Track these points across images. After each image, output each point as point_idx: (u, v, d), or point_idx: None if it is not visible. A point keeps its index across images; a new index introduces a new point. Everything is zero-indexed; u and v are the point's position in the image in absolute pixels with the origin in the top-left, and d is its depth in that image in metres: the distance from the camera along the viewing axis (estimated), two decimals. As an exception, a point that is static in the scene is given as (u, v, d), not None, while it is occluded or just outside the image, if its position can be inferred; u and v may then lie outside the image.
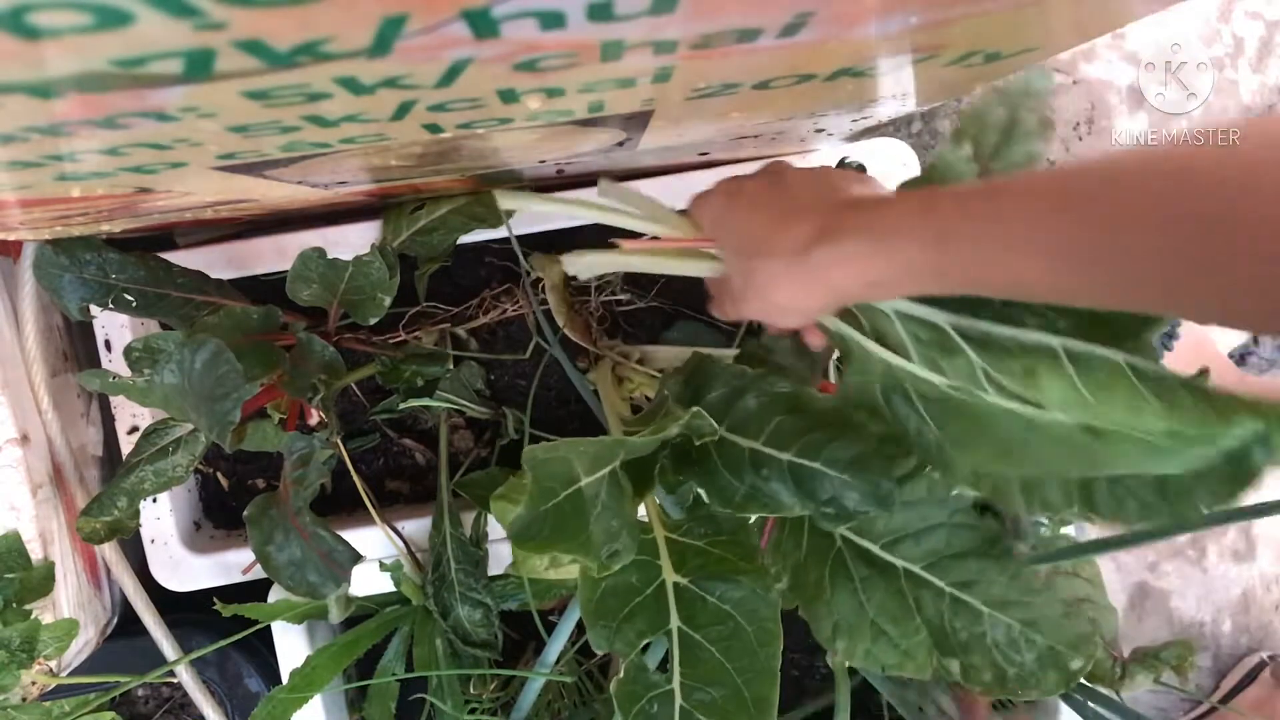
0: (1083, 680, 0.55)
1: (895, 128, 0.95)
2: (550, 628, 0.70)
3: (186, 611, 0.77)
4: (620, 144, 0.53)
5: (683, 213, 0.54)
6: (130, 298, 0.62)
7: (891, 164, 0.73)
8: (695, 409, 0.45)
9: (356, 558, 0.58)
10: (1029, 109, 0.43)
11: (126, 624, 0.76)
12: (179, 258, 0.66)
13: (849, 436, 0.45)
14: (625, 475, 0.46)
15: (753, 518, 0.55)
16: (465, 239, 0.71)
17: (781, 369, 0.56)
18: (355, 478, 0.71)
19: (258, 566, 0.72)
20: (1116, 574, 1.05)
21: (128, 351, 0.59)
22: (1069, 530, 0.63)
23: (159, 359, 0.56)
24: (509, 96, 0.34)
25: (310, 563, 0.57)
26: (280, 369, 0.61)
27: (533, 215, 0.72)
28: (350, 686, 0.83)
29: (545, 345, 0.75)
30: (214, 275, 0.67)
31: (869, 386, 0.46)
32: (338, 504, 0.80)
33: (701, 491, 0.50)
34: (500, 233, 0.71)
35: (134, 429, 0.73)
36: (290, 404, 0.65)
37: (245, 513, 0.58)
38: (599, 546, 0.40)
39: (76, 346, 0.77)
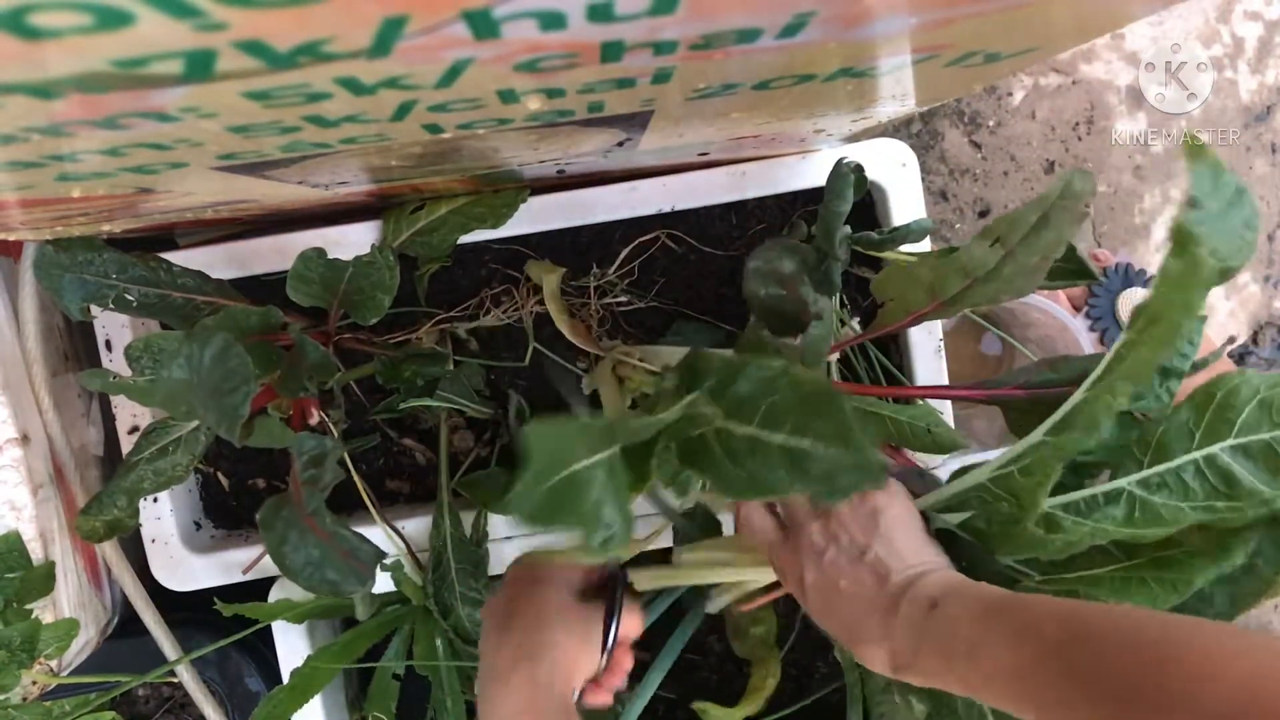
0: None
1: (895, 128, 0.95)
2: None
3: (187, 611, 0.77)
4: (620, 144, 0.53)
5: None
6: (131, 298, 0.62)
7: (891, 164, 0.73)
8: (693, 395, 0.45)
9: (379, 555, 0.58)
10: (1064, 207, 0.44)
11: (127, 624, 0.76)
12: (179, 258, 0.66)
13: (832, 412, 0.43)
14: (623, 463, 0.45)
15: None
16: (465, 239, 0.71)
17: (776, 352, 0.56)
18: (355, 477, 0.71)
19: (258, 566, 0.73)
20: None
21: (128, 351, 0.59)
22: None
23: (165, 356, 0.56)
24: (509, 97, 0.34)
25: (329, 562, 0.57)
26: (280, 369, 0.61)
27: (532, 215, 0.72)
28: (350, 686, 0.83)
29: (543, 351, 0.75)
30: (214, 275, 0.67)
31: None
32: (338, 504, 0.80)
33: (707, 481, 0.50)
34: (500, 233, 0.71)
35: (134, 429, 0.73)
36: (295, 404, 0.65)
37: (258, 516, 0.58)
38: (595, 530, 0.40)
39: (77, 346, 0.77)
